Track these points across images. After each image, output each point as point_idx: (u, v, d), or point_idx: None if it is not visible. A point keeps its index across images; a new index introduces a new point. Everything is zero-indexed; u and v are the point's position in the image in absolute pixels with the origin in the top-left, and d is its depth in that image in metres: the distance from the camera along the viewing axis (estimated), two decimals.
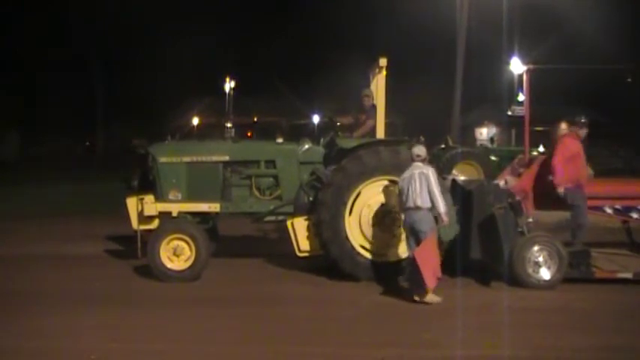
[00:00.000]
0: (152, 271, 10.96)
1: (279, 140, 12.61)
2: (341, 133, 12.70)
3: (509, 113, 43.21)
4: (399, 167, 10.71)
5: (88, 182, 29.08)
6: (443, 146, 27.12)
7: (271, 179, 11.90)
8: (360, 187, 11.03)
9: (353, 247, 10.99)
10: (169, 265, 10.95)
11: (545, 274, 10.38)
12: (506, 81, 42.56)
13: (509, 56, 39.35)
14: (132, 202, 11.49)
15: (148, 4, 44.50)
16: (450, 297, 9.97)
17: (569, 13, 39.42)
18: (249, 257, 12.82)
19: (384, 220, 10.99)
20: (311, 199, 11.33)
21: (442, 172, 18.07)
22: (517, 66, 38.62)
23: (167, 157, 11.65)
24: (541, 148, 27.48)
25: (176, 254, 10.96)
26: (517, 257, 10.29)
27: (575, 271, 10.51)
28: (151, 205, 11.43)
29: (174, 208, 11.49)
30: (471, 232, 10.70)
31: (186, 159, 11.68)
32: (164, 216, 11.45)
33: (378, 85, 11.58)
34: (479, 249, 10.67)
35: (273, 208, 11.72)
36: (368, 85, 12.24)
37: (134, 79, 48.36)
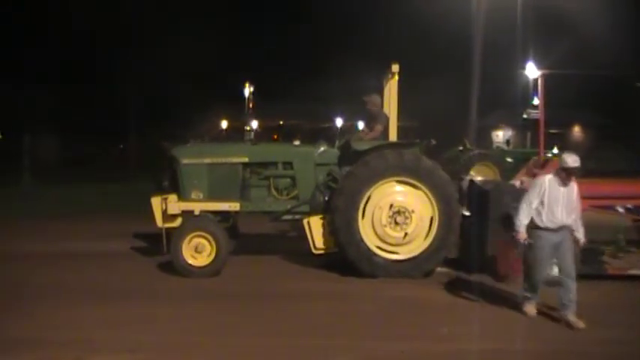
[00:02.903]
0: (175, 267, 11.26)
1: (297, 142, 12.96)
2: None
3: (525, 116, 43.38)
4: (405, 169, 11.27)
5: (120, 183, 29.48)
6: (460, 148, 27.39)
7: (288, 180, 12.22)
8: (370, 190, 11.32)
9: (369, 248, 11.27)
10: (191, 261, 11.26)
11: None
12: (521, 85, 42.63)
13: (525, 61, 39.46)
14: (156, 202, 11.84)
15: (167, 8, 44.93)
16: (466, 293, 10.20)
17: (581, 18, 39.46)
18: (269, 254, 13.06)
19: (396, 219, 11.31)
20: (326, 198, 11.66)
21: (459, 173, 18.39)
22: (532, 71, 38.78)
23: (189, 158, 12.02)
24: (555, 150, 27.67)
25: (198, 251, 11.26)
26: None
27: (588, 267, 10.62)
28: (175, 205, 11.79)
29: (197, 207, 11.80)
30: (488, 231, 10.89)
31: (208, 160, 12.04)
32: (187, 214, 11.78)
33: (391, 91, 11.87)
34: (495, 247, 10.81)
35: (290, 207, 12.06)
36: (381, 90, 12.51)
37: (161, 83, 48.67)
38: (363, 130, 13.04)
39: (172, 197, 11.90)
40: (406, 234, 11.33)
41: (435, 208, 11.35)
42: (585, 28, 41.69)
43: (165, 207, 11.77)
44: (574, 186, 8.98)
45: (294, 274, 11.77)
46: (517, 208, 9.04)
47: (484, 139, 48.61)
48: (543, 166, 12.27)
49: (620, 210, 11.44)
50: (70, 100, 48.57)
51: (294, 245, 13.60)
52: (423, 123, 66.62)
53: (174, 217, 11.80)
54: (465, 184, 12.08)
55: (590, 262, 10.76)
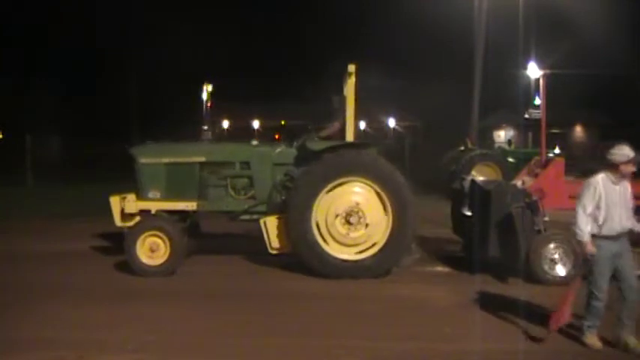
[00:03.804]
0: (130, 266, 11.33)
1: (254, 142, 13.01)
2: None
3: (527, 116, 43.43)
4: (360, 169, 11.31)
5: (123, 183, 29.32)
6: (462, 148, 27.39)
7: (246, 179, 12.27)
8: (325, 189, 11.36)
9: (322, 248, 11.31)
10: (145, 260, 11.32)
11: (560, 270, 10.61)
12: (522, 85, 42.67)
13: (526, 61, 39.50)
14: (115, 201, 11.97)
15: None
16: (469, 293, 10.22)
17: (583, 19, 39.49)
18: (270, 255, 13.10)
19: (349, 219, 11.33)
20: (283, 198, 11.71)
21: (461, 173, 18.41)
22: (534, 71, 38.82)
23: (147, 158, 12.13)
24: (557, 150, 27.69)
25: (152, 250, 11.33)
26: (534, 254, 10.52)
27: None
28: (133, 204, 11.92)
29: (153, 206, 11.92)
30: (490, 231, 10.89)
31: (165, 160, 12.14)
32: (144, 214, 11.89)
33: (348, 90, 11.82)
34: (497, 247, 10.86)
35: (248, 207, 12.10)
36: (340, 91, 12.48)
37: (162, 83, 48.85)
38: (319, 127, 13.05)
39: (131, 196, 12.01)
40: (359, 234, 11.36)
41: (390, 209, 11.36)
42: (587, 27, 41.74)
43: (123, 206, 11.87)
44: (627, 183, 7.91)
45: (294, 273, 11.74)
46: (575, 217, 7.83)
47: (486, 139, 48.72)
48: (545, 165, 12.33)
49: None
50: (72, 101, 48.68)
51: None
52: (425, 123, 66.87)
53: (133, 216, 11.90)
54: (467, 184, 12.11)
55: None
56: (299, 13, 70.21)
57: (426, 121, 66.20)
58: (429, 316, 9.23)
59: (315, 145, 11.86)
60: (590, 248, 7.72)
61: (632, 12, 46.27)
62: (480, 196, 11.37)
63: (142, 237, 11.35)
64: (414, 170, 30.16)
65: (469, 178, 12.69)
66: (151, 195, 12.02)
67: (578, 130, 68.05)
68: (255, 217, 12.02)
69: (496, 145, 43.19)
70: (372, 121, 70.20)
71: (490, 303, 9.64)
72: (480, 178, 13.29)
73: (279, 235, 11.49)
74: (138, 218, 11.86)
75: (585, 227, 7.73)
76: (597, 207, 7.73)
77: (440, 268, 12.29)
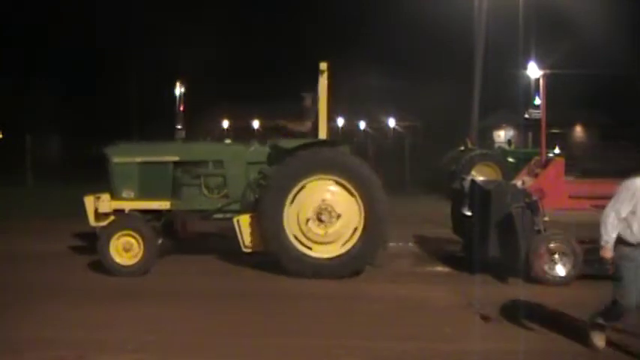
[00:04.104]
0: (103, 265, 11.36)
1: (228, 141, 13.00)
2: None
3: (527, 116, 43.45)
4: (332, 167, 11.31)
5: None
6: (462, 148, 27.43)
7: (220, 178, 12.30)
8: (296, 187, 11.35)
9: (294, 247, 11.31)
10: (119, 260, 11.34)
11: (560, 270, 10.60)
12: (522, 85, 42.70)
13: (526, 61, 39.54)
14: (89, 201, 12.01)
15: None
16: (469, 293, 10.24)
17: (583, 18, 39.53)
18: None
19: (321, 217, 11.33)
20: (257, 196, 11.70)
21: (461, 173, 18.42)
22: (534, 71, 38.85)
23: (120, 157, 12.16)
24: (556, 150, 27.71)
25: (125, 250, 11.35)
26: (534, 254, 10.53)
27: (590, 267, 10.65)
28: (106, 203, 11.95)
29: (127, 206, 11.97)
30: (490, 231, 10.87)
31: (139, 159, 12.17)
32: (118, 213, 11.91)
33: (321, 88, 11.84)
34: (497, 247, 10.84)
35: (221, 206, 12.11)
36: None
37: (162, 83, 48.89)
38: (291, 123, 13.05)
39: (105, 196, 12.04)
40: (330, 232, 11.36)
41: (362, 207, 11.36)
42: (587, 27, 41.76)
43: (97, 206, 11.91)
44: None
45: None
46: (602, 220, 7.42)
47: (486, 139, 48.76)
48: (545, 165, 12.34)
49: None
50: (72, 101, 48.70)
51: None
52: (425, 123, 66.87)
53: (107, 215, 11.92)
54: (467, 184, 12.11)
55: (591, 262, 10.77)
56: (299, 13, 70.24)
57: (426, 121, 66.26)
58: (429, 316, 9.22)
59: (288, 143, 11.91)
60: (608, 254, 7.35)
61: (632, 12, 46.33)
62: (480, 196, 11.36)
63: (116, 236, 11.35)
64: (414, 170, 30.36)
65: (469, 178, 12.70)
66: (124, 195, 12.06)
67: (578, 130, 68.09)
68: (228, 215, 12.01)
69: (496, 145, 43.23)
70: (372, 121, 70.35)
71: (490, 303, 9.61)
72: (480, 178, 13.29)
73: (252, 234, 11.48)
74: (112, 218, 11.85)
75: (613, 232, 7.30)
76: (632, 212, 7.25)
77: (440, 268, 12.31)
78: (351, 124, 72.17)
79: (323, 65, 11.72)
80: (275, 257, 11.31)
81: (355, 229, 11.38)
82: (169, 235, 12.88)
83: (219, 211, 12.16)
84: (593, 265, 10.77)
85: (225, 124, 66.73)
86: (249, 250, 11.60)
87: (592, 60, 45.69)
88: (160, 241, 12.00)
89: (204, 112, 58.36)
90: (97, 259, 11.93)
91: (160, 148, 12.69)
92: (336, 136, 12.82)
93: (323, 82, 11.80)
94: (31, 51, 49.81)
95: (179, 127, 12.85)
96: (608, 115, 62.05)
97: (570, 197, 11.82)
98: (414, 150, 33.32)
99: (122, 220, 11.72)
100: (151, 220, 12.05)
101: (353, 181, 11.33)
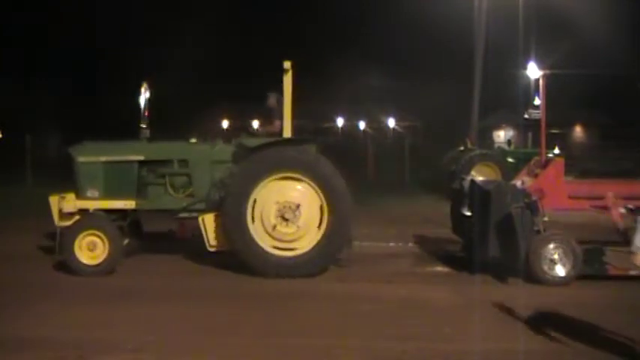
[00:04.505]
0: (68, 265, 11.35)
1: (193, 140, 12.98)
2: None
3: (527, 116, 43.48)
4: (296, 165, 11.31)
5: None
6: (462, 148, 27.45)
7: (185, 177, 12.25)
8: (260, 186, 11.33)
9: (258, 245, 11.28)
10: (83, 259, 11.33)
11: (560, 271, 10.58)
12: (522, 85, 42.73)
13: (526, 61, 39.57)
14: (54, 200, 11.99)
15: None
16: (469, 293, 10.29)
17: (583, 18, 39.54)
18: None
19: (284, 215, 11.31)
20: (221, 195, 11.64)
21: (460, 173, 18.44)
22: (534, 71, 38.88)
23: (85, 157, 12.13)
24: (556, 150, 27.74)
25: (90, 249, 11.33)
26: (533, 255, 10.51)
27: (589, 268, 10.74)
28: (71, 203, 11.93)
29: (92, 205, 11.93)
30: (489, 231, 10.86)
31: (103, 159, 12.13)
32: (83, 213, 11.88)
33: (286, 88, 11.85)
34: (497, 247, 10.84)
35: (187, 205, 12.06)
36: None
37: (162, 83, 48.91)
38: (261, 126, 13.03)
39: (70, 196, 12.02)
40: (295, 230, 11.34)
41: (326, 205, 11.35)
42: (586, 27, 41.76)
43: (62, 205, 11.90)
44: None
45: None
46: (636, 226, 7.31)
47: (485, 139, 48.78)
48: (545, 165, 12.34)
49: (622, 211, 11.49)
50: (72, 101, 48.73)
51: None
52: (425, 123, 66.87)
53: (72, 215, 11.89)
54: (467, 184, 12.12)
55: (591, 262, 10.82)
56: (299, 13, 70.27)
57: (426, 121, 66.32)
58: (429, 316, 9.21)
59: (252, 142, 11.91)
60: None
61: (632, 12, 46.35)
62: (480, 196, 11.35)
63: (81, 236, 11.35)
64: (413, 170, 30.40)
65: (469, 178, 12.70)
66: (89, 194, 12.03)
67: (578, 131, 68.10)
68: (194, 214, 11.97)
69: (495, 146, 43.24)
70: (372, 122, 70.40)
71: (489, 303, 9.63)
72: (480, 178, 13.29)
73: (217, 233, 11.47)
74: (77, 217, 11.81)
75: None
76: None
77: (440, 268, 12.30)
78: (351, 124, 72.31)
79: (287, 64, 11.75)
80: (239, 256, 11.29)
81: (320, 227, 11.37)
82: (136, 234, 12.83)
83: (184, 210, 12.09)
84: (593, 266, 10.83)
85: (225, 124, 66.71)
86: (214, 249, 11.57)
87: (592, 60, 45.79)
88: (125, 241, 11.97)
89: (204, 112, 58.44)
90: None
91: (125, 148, 12.60)
92: (302, 135, 12.91)
93: (287, 81, 11.81)
94: (31, 51, 49.88)
95: (143, 126, 12.79)
96: (608, 116, 62.07)
97: (570, 197, 11.82)
98: (414, 150, 33.35)
99: (87, 220, 11.68)
100: (117, 219, 12.02)
101: (315, 180, 11.33)
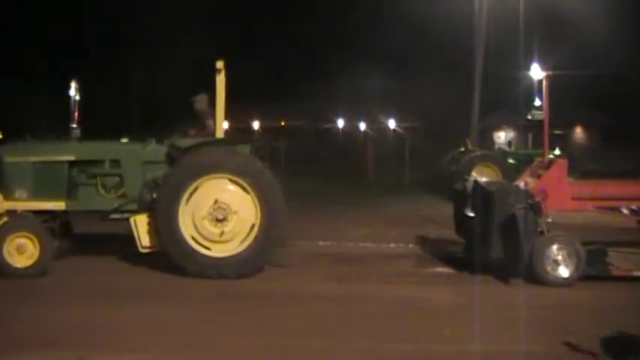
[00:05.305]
0: None
1: (124, 140, 12.86)
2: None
3: (529, 117, 43.49)
4: (228, 166, 11.23)
5: None
6: (462, 149, 27.45)
7: (116, 178, 12.11)
8: (193, 185, 11.24)
9: (189, 246, 11.19)
10: (12, 262, 11.15)
11: (563, 271, 10.54)
12: (523, 86, 42.73)
13: (528, 62, 39.55)
14: None
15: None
16: (470, 294, 10.24)
17: (584, 19, 39.54)
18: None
19: (216, 216, 11.22)
20: (154, 196, 11.54)
21: (461, 174, 18.40)
22: (537, 72, 38.86)
23: (13, 157, 11.93)
24: (557, 151, 27.74)
25: (20, 251, 11.17)
26: (537, 255, 10.47)
27: (592, 269, 10.70)
28: None
29: (20, 207, 11.74)
30: (492, 232, 10.83)
31: (32, 159, 11.94)
32: (10, 214, 11.67)
33: (218, 87, 11.78)
34: (499, 248, 10.80)
35: (118, 205, 11.93)
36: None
37: (162, 83, 48.99)
38: (194, 128, 12.94)
39: None
40: (227, 230, 11.24)
41: (258, 208, 11.27)
42: (588, 28, 41.76)
43: None
44: None
45: (294, 274, 11.73)
46: None
47: (486, 139, 48.81)
48: (548, 166, 12.31)
49: (625, 211, 11.46)
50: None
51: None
52: (426, 124, 66.92)
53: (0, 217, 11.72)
54: (469, 184, 12.07)
55: (594, 263, 10.78)
56: (299, 13, 70.30)
57: (427, 122, 66.40)
58: (430, 317, 9.19)
59: (184, 142, 11.84)
60: None
61: (632, 12, 46.34)
62: (483, 197, 11.32)
63: (9, 238, 11.19)
64: (414, 171, 30.38)
65: (472, 178, 12.67)
66: (17, 195, 11.82)
67: (579, 132, 68.13)
68: (126, 215, 11.85)
69: (496, 147, 43.28)
70: (372, 122, 70.41)
71: (491, 304, 9.62)
72: (483, 179, 13.25)
73: (149, 234, 11.37)
74: (4, 219, 11.58)
75: None
76: None
77: (440, 269, 12.25)
78: (351, 125, 72.35)
79: (220, 64, 11.69)
80: (171, 257, 11.20)
81: (252, 228, 11.29)
82: (67, 236, 12.68)
83: (116, 211, 11.95)
84: (595, 266, 10.81)
85: (225, 124, 66.73)
86: (146, 251, 11.45)
87: (592, 61, 45.74)
88: (56, 243, 11.78)
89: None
90: (97, 259, 11.93)
91: (55, 148, 12.46)
92: (235, 135, 12.95)
93: (220, 80, 11.75)
94: (31, 51, 49.86)
95: (74, 125, 12.67)
96: (609, 116, 62.09)
97: (573, 198, 11.78)
98: (414, 151, 33.36)
99: (15, 221, 11.48)
100: (47, 220, 11.84)
101: (247, 180, 11.25)
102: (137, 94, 53.50)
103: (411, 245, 14.43)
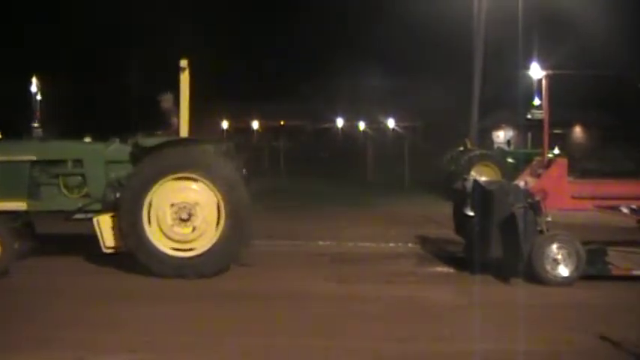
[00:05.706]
0: None
1: (87, 139, 12.81)
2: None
3: (529, 117, 43.51)
4: (192, 165, 11.20)
5: None
6: (461, 149, 27.45)
7: (79, 178, 12.02)
8: (157, 184, 11.19)
9: (154, 246, 11.14)
10: None
11: (563, 271, 10.55)
12: (523, 85, 42.71)
13: (527, 61, 39.54)
14: None
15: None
16: (470, 293, 10.24)
17: (584, 19, 39.53)
18: (269, 253, 13.08)
19: (181, 216, 11.19)
20: (118, 196, 11.49)
21: (460, 173, 18.42)
22: (536, 71, 38.85)
23: None
24: (556, 151, 27.75)
25: None
26: (536, 255, 10.48)
27: (592, 268, 10.70)
28: None
29: None
30: (492, 231, 10.84)
31: None
32: None
33: (182, 86, 11.74)
34: (499, 247, 10.81)
35: (82, 205, 11.87)
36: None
37: (162, 82, 48.96)
38: (161, 128, 12.91)
39: None
40: (192, 230, 11.22)
41: (223, 205, 11.24)
42: (588, 28, 41.76)
43: None
44: None
45: (294, 274, 11.74)
46: None
47: (485, 139, 48.74)
48: (547, 165, 12.32)
49: (625, 211, 11.47)
50: (72, 100, 48.75)
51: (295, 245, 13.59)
52: (425, 123, 66.90)
53: None
54: (469, 184, 12.08)
55: (594, 262, 10.79)
56: (299, 13, 70.21)
57: (426, 121, 66.33)
58: (430, 317, 9.19)
59: (148, 141, 11.76)
60: None
61: (633, 12, 46.28)
62: (483, 196, 11.33)
63: None
64: (413, 171, 30.39)
65: (471, 178, 12.68)
66: None
67: (578, 131, 68.05)
68: (89, 215, 11.77)
69: (495, 146, 43.26)
70: (372, 122, 70.44)
71: (490, 303, 9.62)
72: (483, 179, 13.27)
73: (113, 234, 11.31)
74: None
75: None
76: None
77: (440, 269, 12.26)
78: (350, 124, 72.36)
79: (184, 62, 11.66)
80: (136, 258, 11.15)
81: (217, 227, 11.26)
82: (28, 236, 12.53)
83: (79, 211, 11.89)
84: (595, 266, 10.81)
85: (225, 124, 66.78)
86: (110, 251, 11.42)
87: (592, 61, 45.68)
88: (17, 244, 11.65)
89: (203, 113, 58.39)
90: (97, 259, 11.90)
91: (16, 147, 12.36)
92: (200, 135, 12.91)
93: (184, 79, 11.72)
94: (31, 51, 49.83)
95: (36, 125, 12.62)
96: (609, 116, 62.01)
97: (573, 198, 11.80)
98: (414, 150, 33.36)
99: None
100: (8, 221, 11.70)
101: (211, 179, 11.21)
102: (135, 95, 53.48)
103: (410, 245, 14.43)
